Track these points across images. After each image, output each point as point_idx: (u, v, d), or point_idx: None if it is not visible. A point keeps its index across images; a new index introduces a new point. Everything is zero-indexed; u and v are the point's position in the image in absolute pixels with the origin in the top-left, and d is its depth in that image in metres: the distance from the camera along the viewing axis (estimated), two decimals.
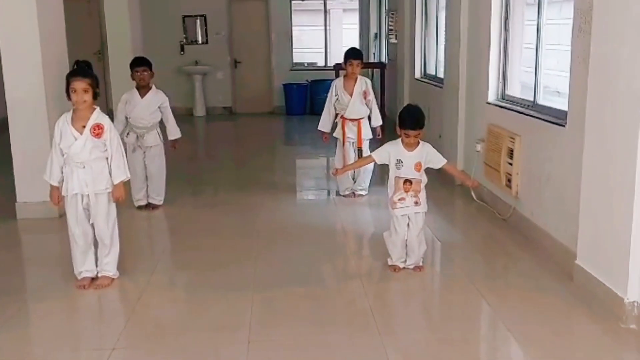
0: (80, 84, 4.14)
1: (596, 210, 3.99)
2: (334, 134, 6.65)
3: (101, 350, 3.51)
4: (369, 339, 3.60)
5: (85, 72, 4.32)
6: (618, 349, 3.52)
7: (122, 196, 4.37)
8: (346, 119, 6.49)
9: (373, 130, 6.63)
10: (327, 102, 6.68)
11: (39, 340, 3.79)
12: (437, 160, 4.51)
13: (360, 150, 6.48)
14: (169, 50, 13.25)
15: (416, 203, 4.46)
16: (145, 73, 5.99)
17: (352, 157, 6.48)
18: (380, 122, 6.69)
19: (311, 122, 12.41)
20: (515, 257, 4.99)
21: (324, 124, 6.70)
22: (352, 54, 6.53)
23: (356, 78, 6.49)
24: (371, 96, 6.60)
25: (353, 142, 6.52)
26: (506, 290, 4.34)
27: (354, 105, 6.46)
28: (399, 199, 4.44)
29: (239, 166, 9.08)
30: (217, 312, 3.98)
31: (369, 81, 6.68)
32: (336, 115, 6.61)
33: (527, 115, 5.30)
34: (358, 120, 6.49)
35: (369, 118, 6.59)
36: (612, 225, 3.80)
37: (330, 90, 6.64)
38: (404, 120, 4.40)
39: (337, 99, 6.54)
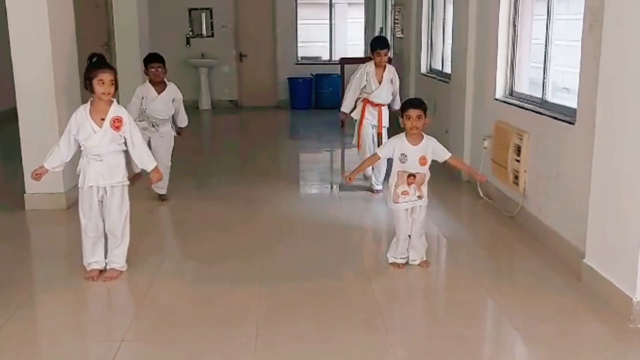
0: (108, 76, 4.22)
1: (605, 209, 3.98)
2: (352, 114, 6.73)
3: (110, 342, 3.52)
4: (376, 335, 3.61)
5: (109, 64, 4.41)
6: (625, 349, 3.52)
7: (161, 177, 4.69)
8: (369, 101, 6.59)
9: (391, 115, 6.65)
10: (353, 84, 6.67)
11: (48, 331, 3.80)
12: (442, 154, 4.49)
13: (380, 137, 6.59)
14: (175, 43, 13.23)
15: (419, 197, 4.45)
16: (160, 69, 6.04)
17: (369, 142, 6.60)
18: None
19: (316, 116, 12.51)
20: (522, 255, 4.98)
21: (348, 105, 6.72)
22: (378, 44, 6.59)
23: (385, 66, 6.60)
24: (397, 84, 6.76)
25: (374, 126, 6.64)
26: (512, 288, 4.33)
27: (382, 91, 6.58)
28: (402, 192, 4.43)
29: (244, 159, 9.09)
30: (225, 306, 3.99)
31: (394, 68, 6.78)
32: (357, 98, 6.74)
33: (535, 112, 5.28)
34: (380, 105, 6.60)
35: (388, 106, 6.70)
36: (621, 224, 3.80)
37: (358, 74, 6.64)
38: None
39: (366, 84, 6.59)
